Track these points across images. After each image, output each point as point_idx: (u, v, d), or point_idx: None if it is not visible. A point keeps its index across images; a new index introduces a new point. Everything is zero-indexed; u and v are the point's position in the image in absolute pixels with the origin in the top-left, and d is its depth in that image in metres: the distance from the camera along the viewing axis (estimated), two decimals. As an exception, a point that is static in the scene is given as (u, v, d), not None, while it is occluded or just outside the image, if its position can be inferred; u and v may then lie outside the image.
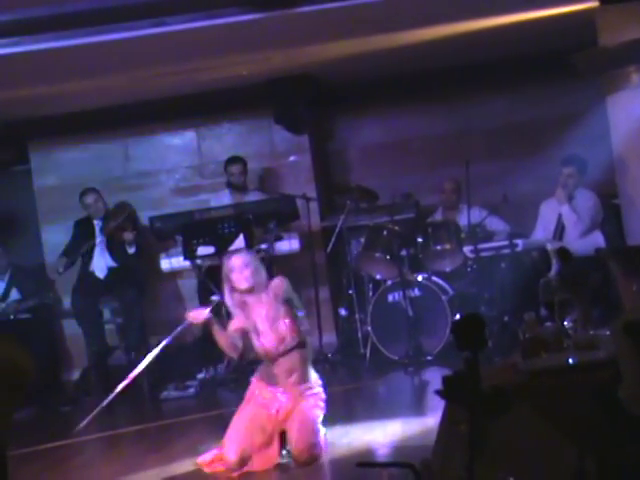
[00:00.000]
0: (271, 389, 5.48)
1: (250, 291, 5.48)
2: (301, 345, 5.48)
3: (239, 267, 5.45)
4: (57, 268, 8.88)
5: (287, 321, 5.44)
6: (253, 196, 9.06)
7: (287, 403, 5.45)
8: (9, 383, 1.92)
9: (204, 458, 5.59)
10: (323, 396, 5.56)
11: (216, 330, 5.56)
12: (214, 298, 5.86)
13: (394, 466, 2.16)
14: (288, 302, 5.47)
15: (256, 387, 5.55)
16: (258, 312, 5.49)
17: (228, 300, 5.54)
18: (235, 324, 5.57)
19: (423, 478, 2.10)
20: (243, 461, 5.31)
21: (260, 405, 5.47)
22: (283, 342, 5.44)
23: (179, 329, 5.86)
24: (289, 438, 5.36)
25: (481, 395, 2.12)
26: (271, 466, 5.34)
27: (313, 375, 5.58)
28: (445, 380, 2.22)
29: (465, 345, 2.16)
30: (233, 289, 5.50)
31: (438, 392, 2.25)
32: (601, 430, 3.32)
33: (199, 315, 5.63)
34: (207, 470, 5.48)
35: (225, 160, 9.19)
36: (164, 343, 5.92)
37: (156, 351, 6.02)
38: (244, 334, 5.56)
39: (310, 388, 5.52)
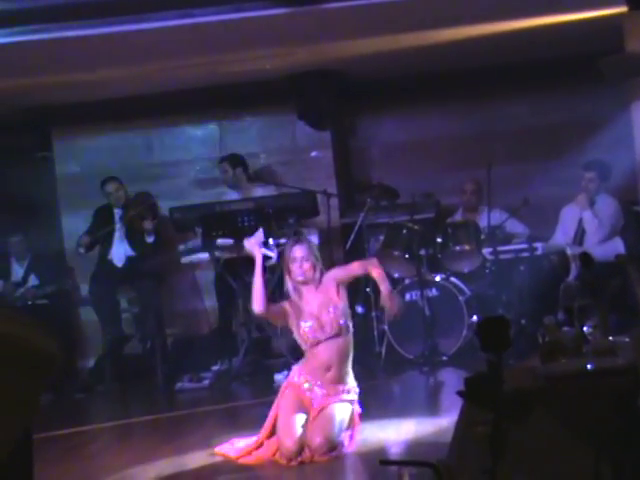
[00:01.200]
0: (310, 378, 5.53)
1: (304, 283, 5.58)
2: (341, 334, 5.53)
3: (299, 259, 5.54)
4: (79, 248, 8.91)
5: (332, 311, 5.51)
6: (261, 190, 9.05)
7: (322, 398, 5.48)
8: (35, 367, 1.94)
9: (228, 449, 5.65)
10: (358, 409, 5.61)
11: (258, 270, 5.59)
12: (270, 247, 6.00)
13: (415, 465, 2.16)
14: (342, 293, 5.58)
15: (296, 374, 5.60)
16: (309, 300, 5.58)
17: (286, 284, 5.64)
18: (283, 308, 5.63)
19: (443, 479, 2.10)
20: (300, 450, 5.35)
21: (300, 396, 5.51)
22: (323, 330, 5.51)
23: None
24: (309, 432, 5.38)
25: (505, 397, 2.12)
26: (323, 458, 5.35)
27: (352, 381, 5.63)
28: (467, 381, 2.21)
29: (489, 346, 2.15)
30: (290, 275, 5.59)
31: (459, 393, 2.24)
32: (618, 436, 3.31)
33: (254, 245, 5.68)
34: (245, 461, 5.49)
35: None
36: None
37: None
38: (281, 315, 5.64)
39: (347, 391, 5.57)
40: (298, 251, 5.57)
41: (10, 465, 2.02)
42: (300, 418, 5.45)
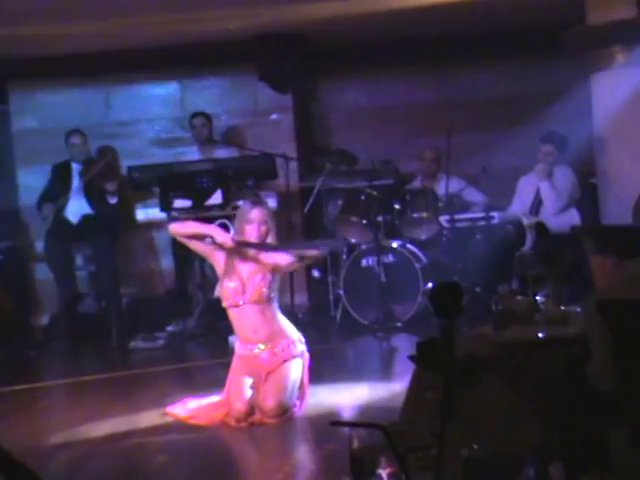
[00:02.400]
0: (248, 342, 5.56)
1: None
2: (261, 302, 5.53)
3: (257, 221, 5.51)
4: (45, 216, 8.80)
5: (260, 279, 5.51)
6: (224, 151, 9.03)
7: (271, 358, 5.51)
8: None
9: (180, 409, 5.70)
10: (307, 355, 5.64)
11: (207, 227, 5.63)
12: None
13: (366, 426, 2.19)
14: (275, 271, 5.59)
15: (237, 345, 5.65)
16: (244, 262, 5.56)
17: (232, 237, 5.56)
18: (213, 249, 5.59)
19: (393, 441, 2.13)
20: (250, 411, 5.39)
21: (250, 362, 5.53)
22: (244, 295, 5.51)
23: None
24: (261, 394, 5.41)
25: (455, 363, 2.14)
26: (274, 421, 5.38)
27: (294, 333, 5.64)
28: (419, 346, 2.24)
29: (442, 312, 2.18)
30: (242, 234, 5.55)
31: (411, 357, 2.27)
32: (567, 404, 3.37)
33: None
34: (196, 421, 5.52)
35: (189, 115, 9.18)
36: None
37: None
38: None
39: (292, 344, 5.58)
40: (256, 213, 5.54)
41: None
42: (249, 380, 5.48)
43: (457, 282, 2.19)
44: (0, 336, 2.15)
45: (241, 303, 5.53)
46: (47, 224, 8.83)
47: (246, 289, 5.52)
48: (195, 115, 9.14)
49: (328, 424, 2.73)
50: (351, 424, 2.31)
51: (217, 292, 5.65)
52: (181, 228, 5.70)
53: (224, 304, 5.61)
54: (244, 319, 5.55)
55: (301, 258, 5.66)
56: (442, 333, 2.22)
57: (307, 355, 5.65)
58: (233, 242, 5.50)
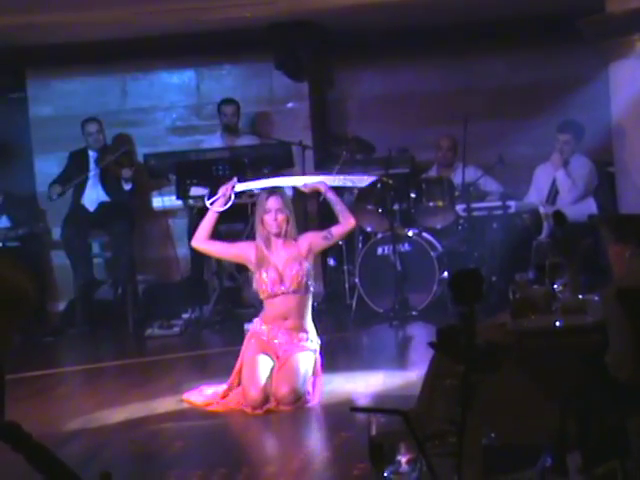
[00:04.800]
0: (271, 326, 5.57)
1: (277, 235, 5.57)
2: (299, 291, 5.55)
3: (274, 211, 5.53)
4: (50, 195, 8.83)
5: (297, 268, 5.53)
6: (246, 140, 9.04)
7: (286, 346, 5.52)
8: (11, 304, 1.93)
9: (196, 396, 5.72)
10: (318, 355, 5.65)
11: (214, 207, 5.74)
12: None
13: (387, 413, 2.19)
14: (310, 257, 5.63)
15: (258, 323, 5.66)
16: (276, 252, 5.59)
17: (257, 234, 5.64)
18: (241, 248, 5.70)
19: (413, 427, 2.12)
20: (265, 398, 5.39)
21: (264, 346, 5.54)
22: (283, 284, 5.53)
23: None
24: (275, 382, 5.42)
25: (476, 350, 2.13)
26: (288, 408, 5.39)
27: (313, 331, 5.66)
28: (439, 332, 2.23)
29: (462, 298, 2.16)
30: (262, 226, 5.58)
31: (431, 344, 2.26)
32: (585, 392, 3.36)
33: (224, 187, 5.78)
34: (212, 408, 5.55)
35: (219, 101, 9.17)
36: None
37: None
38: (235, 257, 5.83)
39: (309, 340, 5.60)
40: (273, 202, 5.54)
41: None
42: (265, 368, 5.48)
43: (477, 268, 2.18)
44: (21, 322, 2.15)
45: (281, 291, 5.53)
46: (63, 212, 8.87)
47: (284, 278, 5.53)
48: (226, 102, 9.10)
49: (346, 410, 2.72)
50: (371, 410, 2.31)
51: (254, 287, 5.66)
52: (198, 236, 5.75)
53: (262, 296, 5.61)
54: (280, 307, 5.57)
55: (331, 234, 5.69)
56: (462, 320, 2.21)
57: (318, 355, 5.66)
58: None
